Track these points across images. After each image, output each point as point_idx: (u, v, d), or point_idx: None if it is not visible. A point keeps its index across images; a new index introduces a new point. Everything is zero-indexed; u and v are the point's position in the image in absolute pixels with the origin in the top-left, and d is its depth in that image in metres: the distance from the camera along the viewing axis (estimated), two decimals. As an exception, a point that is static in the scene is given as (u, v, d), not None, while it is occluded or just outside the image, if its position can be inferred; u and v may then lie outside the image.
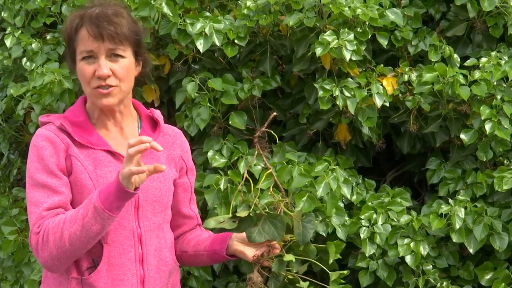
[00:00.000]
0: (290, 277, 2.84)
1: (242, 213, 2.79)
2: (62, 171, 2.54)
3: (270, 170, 3.12)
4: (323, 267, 2.95)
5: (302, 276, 2.85)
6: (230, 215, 2.83)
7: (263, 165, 3.72)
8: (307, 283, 2.81)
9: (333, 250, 3.07)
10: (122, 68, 2.59)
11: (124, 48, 2.60)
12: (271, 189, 3.05)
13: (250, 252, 2.77)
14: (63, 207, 2.52)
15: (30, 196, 2.54)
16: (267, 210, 2.83)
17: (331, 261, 3.01)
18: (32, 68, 4.30)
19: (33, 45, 4.41)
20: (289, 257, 2.79)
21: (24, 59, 4.42)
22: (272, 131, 3.11)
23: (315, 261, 2.91)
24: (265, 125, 3.10)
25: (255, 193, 2.96)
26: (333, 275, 2.91)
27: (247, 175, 3.12)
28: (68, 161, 2.55)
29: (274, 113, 3.23)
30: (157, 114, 2.81)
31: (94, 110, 2.68)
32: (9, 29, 4.59)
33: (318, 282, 2.95)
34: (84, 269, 2.57)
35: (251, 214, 2.79)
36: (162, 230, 2.73)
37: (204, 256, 2.84)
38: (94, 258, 2.58)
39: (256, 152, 3.30)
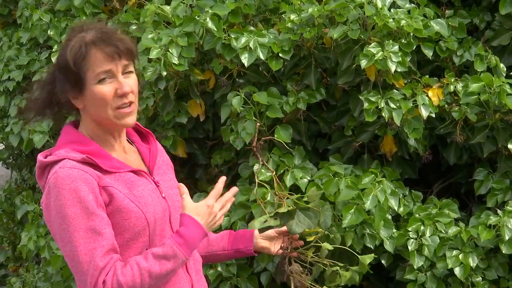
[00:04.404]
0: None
1: (281, 209, 3.06)
2: (101, 206, 2.47)
3: (273, 173, 3.40)
4: (352, 251, 3.31)
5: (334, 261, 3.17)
6: (270, 213, 3.11)
7: (309, 178, 3.73)
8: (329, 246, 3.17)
9: (351, 236, 3.51)
10: (134, 84, 2.59)
11: (133, 63, 2.60)
12: (276, 189, 3.41)
13: (272, 247, 3.04)
14: (112, 250, 2.46)
15: (74, 245, 2.43)
16: (296, 203, 3.12)
17: (348, 244, 3.42)
18: (79, 84, 4.35)
19: (80, 62, 4.46)
20: (326, 245, 3.11)
21: (71, 76, 4.47)
22: (275, 138, 3.29)
23: (343, 247, 3.29)
24: (257, 129, 3.33)
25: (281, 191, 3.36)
26: (367, 259, 3.12)
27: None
28: (104, 193, 2.49)
29: (259, 124, 3.42)
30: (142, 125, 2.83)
31: (99, 135, 2.62)
32: (55, 47, 4.66)
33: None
34: None
35: (290, 209, 3.06)
36: None
37: (222, 255, 2.99)
38: None
39: (260, 160, 3.52)
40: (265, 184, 3.73)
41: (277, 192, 3.36)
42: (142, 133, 2.81)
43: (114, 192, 2.50)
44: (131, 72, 2.58)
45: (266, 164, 3.45)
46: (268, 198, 3.56)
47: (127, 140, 2.74)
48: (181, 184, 2.59)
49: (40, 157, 2.57)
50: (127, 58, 2.55)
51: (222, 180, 2.63)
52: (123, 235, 2.52)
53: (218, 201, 2.58)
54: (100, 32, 2.54)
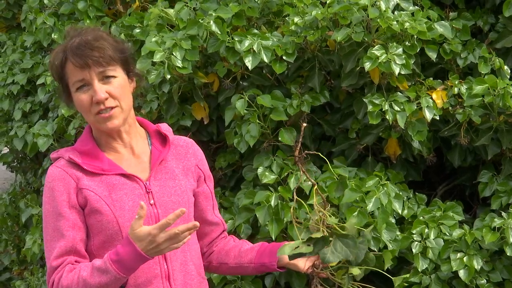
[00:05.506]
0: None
1: (316, 234, 2.71)
2: (74, 207, 2.56)
3: (315, 187, 3.16)
4: (384, 273, 2.97)
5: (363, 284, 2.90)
6: (303, 239, 2.73)
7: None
8: None
9: (389, 257, 3.13)
10: (117, 88, 2.58)
11: (113, 68, 2.58)
12: (316, 205, 3.08)
13: (302, 264, 2.78)
14: (71, 251, 2.55)
15: (44, 238, 2.62)
16: (335, 229, 2.74)
17: (386, 267, 3.04)
18: (83, 88, 4.35)
19: (83, 66, 4.46)
20: (354, 270, 2.77)
21: (75, 80, 4.47)
22: (320, 154, 3.10)
23: (377, 269, 2.96)
24: (300, 138, 3.17)
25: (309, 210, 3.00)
26: (397, 280, 2.95)
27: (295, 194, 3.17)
28: (80, 195, 2.57)
29: (305, 124, 3.29)
30: (164, 128, 2.79)
31: (101, 137, 2.68)
32: (59, 50, 4.65)
33: None
34: None
35: (325, 235, 2.72)
36: (187, 243, 2.68)
37: (250, 268, 2.85)
38: None
39: (301, 171, 3.33)
40: (270, 188, 3.75)
41: (317, 207, 3.09)
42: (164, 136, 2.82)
43: (88, 195, 2.56)
44: (111, 76, 2.58)
45: (308, 175, 3.28)
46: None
47: (148, 141, 2.76)
48: (142, 203, 2.44)
49: (51, 155, 2.71)
50: (101, 66, 2.55)
51: (176, 213, 2.43)
52: (98, 236, 2.58)
53: (166, 232, 2.43)
54: (79, 41, 2.57)
